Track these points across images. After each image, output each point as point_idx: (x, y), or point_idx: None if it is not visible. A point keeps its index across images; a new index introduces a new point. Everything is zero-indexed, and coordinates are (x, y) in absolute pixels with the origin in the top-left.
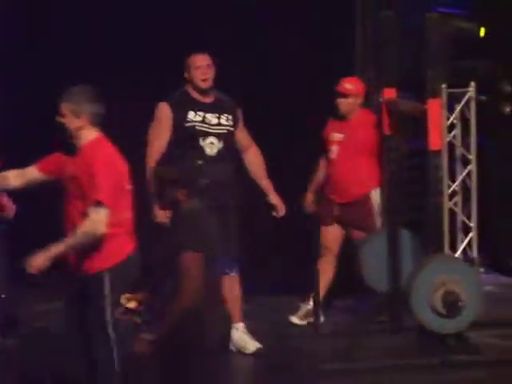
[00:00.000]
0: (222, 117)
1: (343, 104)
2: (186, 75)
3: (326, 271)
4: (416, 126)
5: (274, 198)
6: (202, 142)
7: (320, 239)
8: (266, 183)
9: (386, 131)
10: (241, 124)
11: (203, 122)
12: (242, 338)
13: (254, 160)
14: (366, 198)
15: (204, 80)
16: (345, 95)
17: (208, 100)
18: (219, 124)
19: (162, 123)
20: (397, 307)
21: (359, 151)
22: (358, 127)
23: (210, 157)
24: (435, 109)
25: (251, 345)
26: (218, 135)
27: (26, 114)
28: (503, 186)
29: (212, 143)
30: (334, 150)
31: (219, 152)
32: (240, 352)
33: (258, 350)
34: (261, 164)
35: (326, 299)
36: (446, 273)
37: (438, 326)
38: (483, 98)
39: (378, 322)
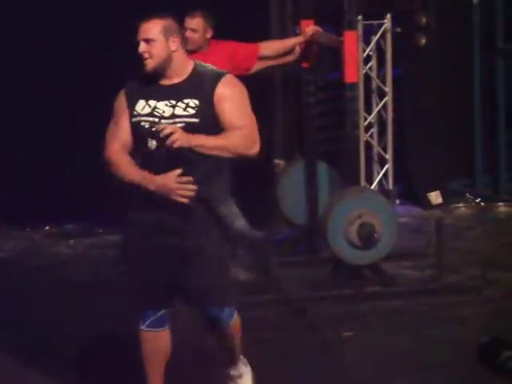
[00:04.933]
0: (178, 104)
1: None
2: None
3: None
4: (332, 58)
5: None
6: (150, 143)
7: None
8: None
9: (304, 64)
10: (222, 104)
11: (151, 114)
12: None
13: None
14: None
15: (145, 60)
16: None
17: (172, 81)
18: (173, 115)
19: (116, 115)
20: (313, 239)
21: None
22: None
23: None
24: (351, 41)
25: None
26: None
27: None
28: (418, 117)
29: None
30: None
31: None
32: None
33: None
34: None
35: None
36: (361, 205)
37: (353, 258)
38: (399, 29)
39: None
